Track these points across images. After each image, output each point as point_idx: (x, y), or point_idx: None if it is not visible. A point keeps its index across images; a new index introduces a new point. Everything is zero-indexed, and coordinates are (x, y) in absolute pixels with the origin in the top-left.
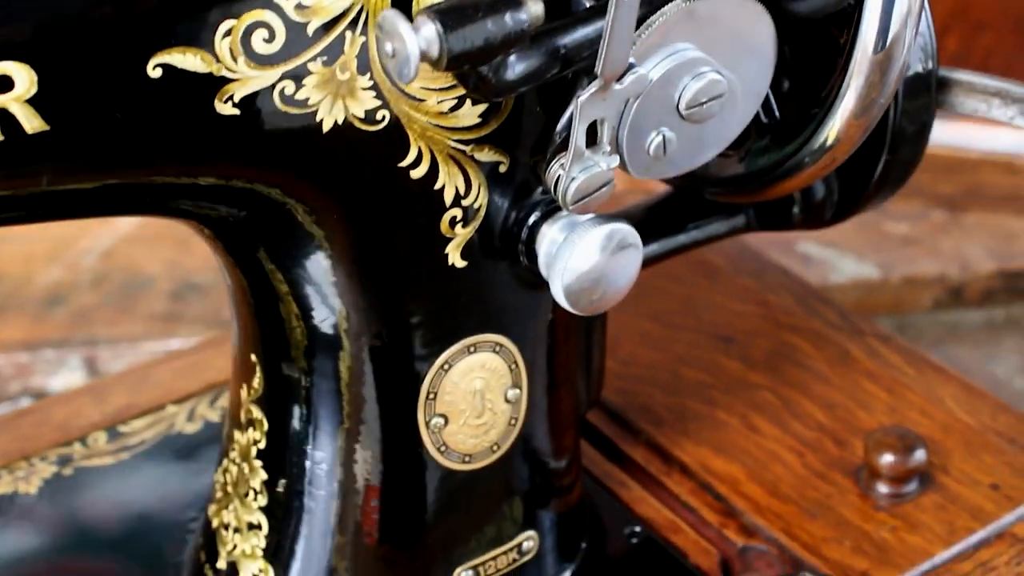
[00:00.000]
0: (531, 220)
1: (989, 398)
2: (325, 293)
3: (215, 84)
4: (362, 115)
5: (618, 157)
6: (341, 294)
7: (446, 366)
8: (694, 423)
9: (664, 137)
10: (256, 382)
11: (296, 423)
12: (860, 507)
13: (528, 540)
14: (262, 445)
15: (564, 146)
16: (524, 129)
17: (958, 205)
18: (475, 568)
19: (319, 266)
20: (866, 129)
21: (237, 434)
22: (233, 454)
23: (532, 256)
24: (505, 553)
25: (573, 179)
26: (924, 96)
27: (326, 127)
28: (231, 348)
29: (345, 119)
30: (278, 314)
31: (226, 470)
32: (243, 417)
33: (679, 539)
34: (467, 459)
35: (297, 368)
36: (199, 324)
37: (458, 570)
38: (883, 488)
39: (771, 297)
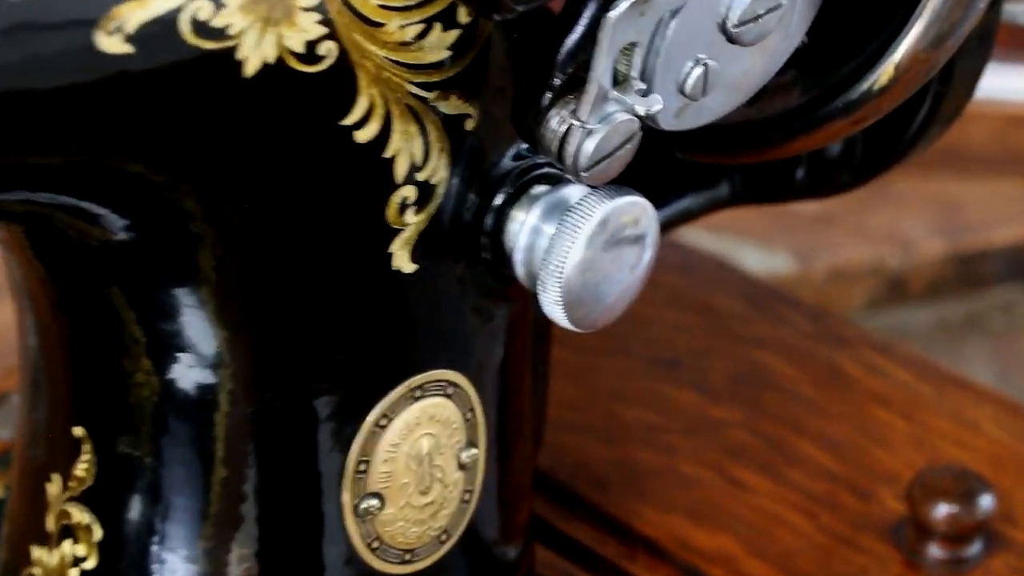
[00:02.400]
0: (497, 201)
1: None
2: (203, 329)
3: (98, 7)
4: (301, 49)
5: (659, 97)
6: (229, 329)
7: (383, 421)
8: (652, 481)
9: (706, 68)
10: (82, 469)
11: (146, 526)
12: None
13: None
14: (90, 564)
15: (572, 86)
16: (501, 67)
17: None
18: None
19: (201, 289)
20: (933, 68)
21: (39, 553)
22: None
23: (499, 252)
24: None
25: (591, 132)
26: None
27: (250, 68)
28: (19, 424)
29: (277, 57)
30: (119, 367)
31: None
32: (52, 525)
33: None
34: (408, 557)
35: (147, 445)
36: None
37: None
38: (938, 552)
39: (715, 300)
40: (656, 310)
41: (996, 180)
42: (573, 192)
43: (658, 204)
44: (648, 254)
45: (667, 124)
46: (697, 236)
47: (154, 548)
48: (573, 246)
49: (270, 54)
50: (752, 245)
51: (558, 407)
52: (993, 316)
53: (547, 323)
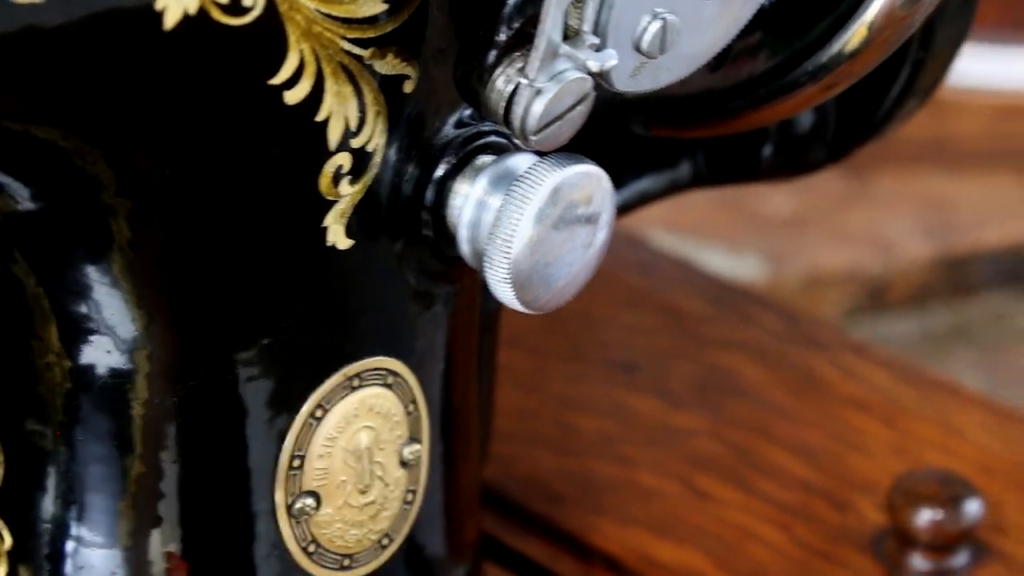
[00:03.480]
0: (438, 172)
1: None
2: (118, 309)
3: None
4: None
5: (613, 53)
6: (147, 309)
7: (318, 412)
8: (610, 494)
9: (665, 22)
10: None
11: (59, 529)
12: None
13: None
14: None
15: (520, 43)
16: (442, 24)
17: (863, 164)
18: None
19: (115, 265)
20: (910, 29)
21: None
22: None
23: (441, 229)
24: None
25: (539, 92)
26: None
27: (169, 20)
28: None
29: (199, 8)
30: (26, 348)
31: None
32: None
33: None
34: (347, 563)
35: (56, 437)
36: None
37: None
38: (922, 563)
39: (677, 300)
40: (612, 311)
41: (987, 176)
42: (521, 161)
43: (621, 182)
44: (603, 234)
45: (622, 84)
46: (657, 236)
47: (69, 552)
48: (522, 217)
49: (191, 4)
50: (718, 248)
51: (506, 416)
52: (982, 326)
53: (493, 318)
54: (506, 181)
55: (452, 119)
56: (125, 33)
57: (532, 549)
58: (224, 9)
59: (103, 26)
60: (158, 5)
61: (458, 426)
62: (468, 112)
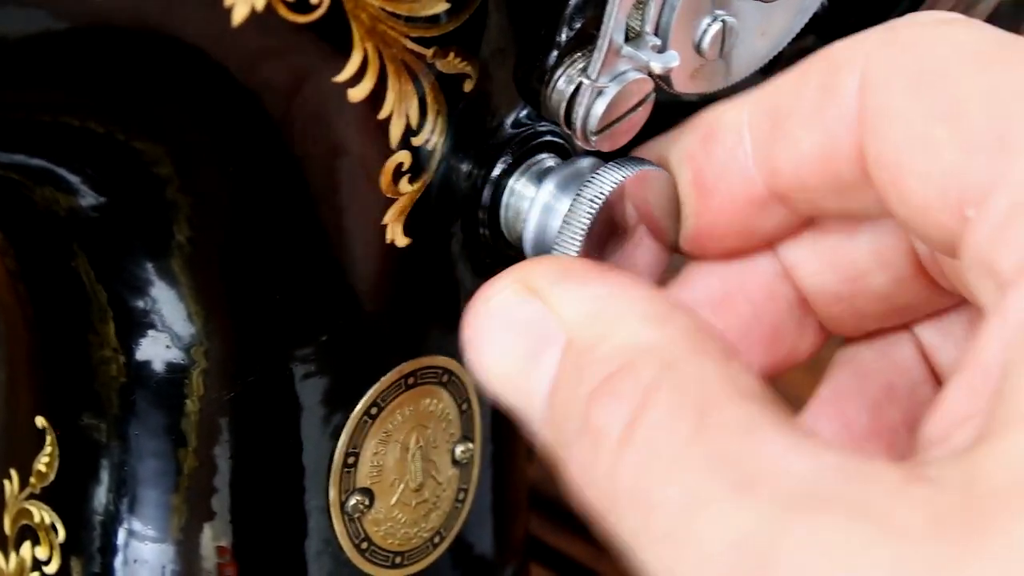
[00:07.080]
0: (495, 172)
1: None
2: (176, 304)
3: None
4: None
5: (676, 54)
6: (205, 304)
7: (373, 410)
8: None
9: (724, 25)
10: (43, 462)
11: (112, 523)
12: None
13: None
14: (52, 567)
15: (581, 43)
16: (502, 24)
17: None
18: None
19: (175, 261)
20: None
21: None
22: None
23: (497, 227)
24: None
25: (601, 92)
26: None
27: (238, 16)
28: None
29: (266, 4)
30: (83, 343)
31: None
32: (9, 527)
33: None
34: (399, 560)
35: (114, 432)
36: None
37: None
38: None
39: None
40: None
41: None
42: (585, 165)
43: None
44: None
45: (681, 86)
46: None
47: (121, 545)
48: (590, 219)
49: (259, 1)
50: None
51: None
52: None
53: None
54: (573, 184)
55: (509, 119)
56: (194, 28)
57: (574, 549)
58: (291, 6)
59: (173, 21)
60: (227, 1)
61: (509, 425)
62: (525, 112)
